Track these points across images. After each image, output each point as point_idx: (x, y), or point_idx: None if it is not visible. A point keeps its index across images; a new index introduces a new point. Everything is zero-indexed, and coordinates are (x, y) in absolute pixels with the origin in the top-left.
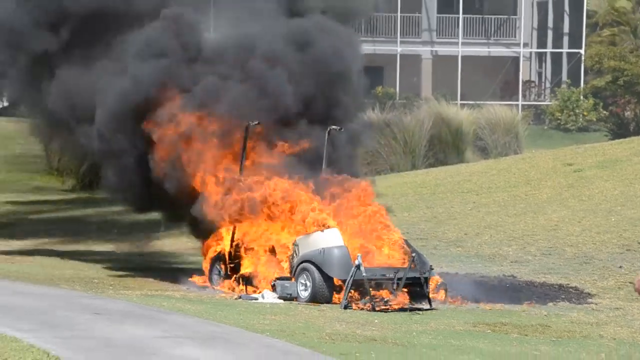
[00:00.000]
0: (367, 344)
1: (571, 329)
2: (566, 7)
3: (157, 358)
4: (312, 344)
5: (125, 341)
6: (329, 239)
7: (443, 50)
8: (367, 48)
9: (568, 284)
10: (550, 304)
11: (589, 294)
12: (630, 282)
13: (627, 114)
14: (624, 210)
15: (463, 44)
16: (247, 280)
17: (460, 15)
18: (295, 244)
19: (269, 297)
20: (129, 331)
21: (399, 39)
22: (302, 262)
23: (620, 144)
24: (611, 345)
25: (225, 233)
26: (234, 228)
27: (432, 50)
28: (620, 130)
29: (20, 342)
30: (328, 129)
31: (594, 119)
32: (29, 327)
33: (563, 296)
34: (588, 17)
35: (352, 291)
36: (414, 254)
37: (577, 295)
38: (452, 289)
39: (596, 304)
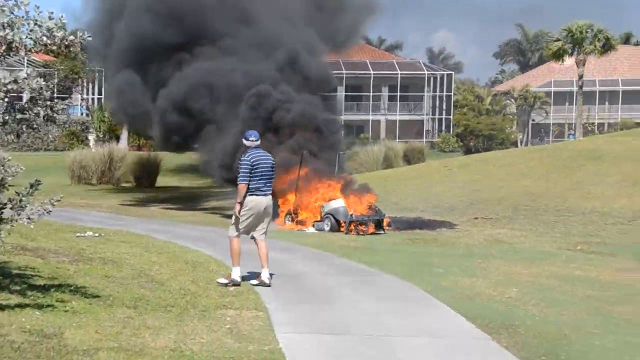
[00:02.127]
0: (354, 250)
1: (447, 241)
2: (444, 98)
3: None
4: (330, 250)
5: (245, 251)
6: (338, 203)
7: (390, 117)
8: (356, 117)
9: (445, 220)
10: (437, 229)
11: (454, 224)
12: (474, 218)
13: (471, 144)
14: (470, 186)
15: (399, 114)
16: (302, 222)
17: (398, 102)
18: (322, 207)
19: (311, 230)
20: (246, 246)
21: (370, 112)
22: (326, 214)
23: (468, 157)
24: (464, 247)
25: (291, 199)
26: (295, 197)
27: (385, 118)
28: (467, 151)
29: (199, 252)
30: (338, 154)
31: (457, 146)
32: (203, 245)
33: (443, 226)
34: (454, 102)
35: (350, 226)
36: (377, 208)
37: (448, 225)
38: (394, 224)
39: (458, 229)
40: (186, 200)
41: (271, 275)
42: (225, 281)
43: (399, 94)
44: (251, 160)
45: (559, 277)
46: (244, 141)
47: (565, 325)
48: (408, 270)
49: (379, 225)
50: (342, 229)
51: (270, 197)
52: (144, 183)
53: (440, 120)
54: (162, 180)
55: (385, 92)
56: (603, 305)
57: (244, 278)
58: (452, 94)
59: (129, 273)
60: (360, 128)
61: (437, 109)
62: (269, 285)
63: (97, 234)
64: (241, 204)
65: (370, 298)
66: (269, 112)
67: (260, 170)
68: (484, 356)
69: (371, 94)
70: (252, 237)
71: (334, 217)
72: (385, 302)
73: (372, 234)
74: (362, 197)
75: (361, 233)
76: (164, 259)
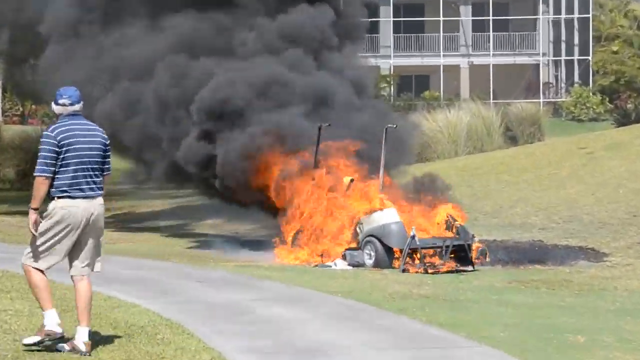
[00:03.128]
0: (421, 301)
1: (590, 283)
2: (575, 24)
3: (249, 317)
4: (376, 302)
5: (224, 304)
6: (388, 217)
7: (477, 60)
8: (415, 61)
9: (586, 246)
10: (572, 262)
11: (604, 253)
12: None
13: (629, 106)
14: (629, 183)
15: (493, 55)
16: (323, 252)
17: (491, 33)
18: (359, 223)
19: (341, 264)
20: (227, 295)
21: (441, 53)
22: (367, 237)
23: (624, 130)
24: (624, 295)
25: (303, 211)
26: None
27: (468, 61)
28: (623, 119)
29: (138, 307)
30: (385, 128)
31: (602, 111)
32: (146, 295)
33: (582, 256)
34: (594, 31)
35: (408, 258)
36: (459, 226)
37: (594, 255)
38: (491, 253)
39: (610, 261)
40: (111, 206)
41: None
42: (37, 338)
43: (491, 18)
44: (58, 137)
45: None
46: (53, 106)
47: None
48: (519, 337)
49: (463, 256)
50: (396, 263)
51: (100, 200)
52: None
53: (569, 64)
54: None
55: (466, 16)
56: None
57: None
58: (590, 16)
59: (8, 348)
60: (424, 80)
61: (562, 45)
62: (87, 354)
63: None
64: (38, 210)
65: None
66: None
67: (78, 154)
68: None
69: (441, 19)
70: (71, 276)
71: (382, 242)
72: None
73: (450, 271)
74: (433, 205)
75: (431, 270)
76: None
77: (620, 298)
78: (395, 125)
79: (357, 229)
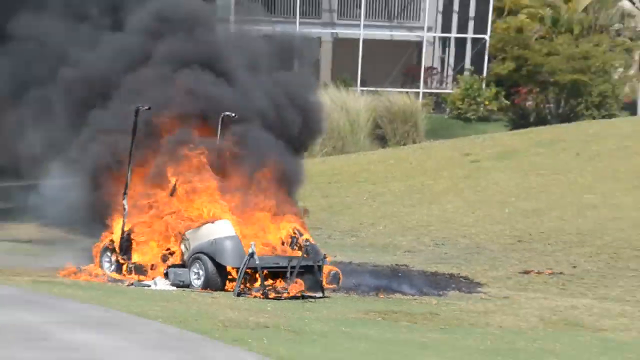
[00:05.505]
0: (259, 331)
1: (459, 317)
2: None
3: (48, 343)
4: (204, 330)
5: (16, 326)
6: (220, 230)
7: (344, 32)
8: (263, 29)
9: (459, 274)
10: (441, 293)
11: (479, 283)
12: (523, 272)
13: (529, 104)
14: (517, 202)
15: (365, 26)
16: (139, 269)
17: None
18: (185, 239)
19: (162, 284)
20: (20, 316)
21: (297, 20)
22: (195, 254)
23: (520, 134)
24: (497, 333)
25: (116, 221)
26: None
27: (332, 33)
28: (520, 120)
29: None
30: (222, 115)
31: (495, 109)
32: None
33: (453, 285)
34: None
35: (245, 279)
36: (307, 243)
37: (467, 285)
38: (345, 277)
39: (485, 293)
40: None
41: None
42: None
43: None
44: None
45: None
46: None
47: None
48: None
49: (312, 279)
50: (230, 285)
51: None
52: None
53: (460, 44)
54: None
55: None
56: None
57: None
58: None
59: None
60: None
61: (454, 17)
62: None
63: None
64: None
65: None
66: None
67: None
68: None
69: None
70: None
71: (213, 260)
72: None
73: (295, 297)
74: (278, 218)
75: (273, 295)
76: None
77: (492, 336)
78: (234, 115)
79: (183, 246)
